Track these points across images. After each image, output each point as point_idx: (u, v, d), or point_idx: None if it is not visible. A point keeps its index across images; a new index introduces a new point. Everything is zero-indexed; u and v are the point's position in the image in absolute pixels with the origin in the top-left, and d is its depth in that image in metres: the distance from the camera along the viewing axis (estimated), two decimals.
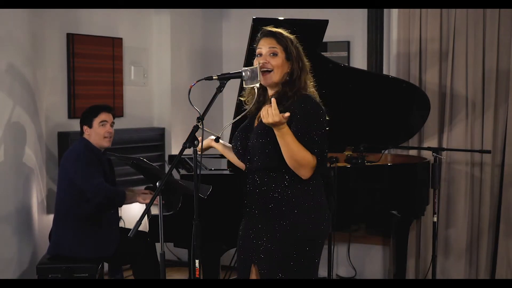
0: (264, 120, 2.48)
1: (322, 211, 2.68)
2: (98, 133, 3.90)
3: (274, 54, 2.64)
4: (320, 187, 2.70)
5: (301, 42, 2.75)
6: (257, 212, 2.67)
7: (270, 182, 2.63)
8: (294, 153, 2.51)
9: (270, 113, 2.45)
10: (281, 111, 2.49)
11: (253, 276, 2.72)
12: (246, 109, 2.75)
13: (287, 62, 2.64)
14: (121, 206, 3.96)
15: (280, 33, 2.67)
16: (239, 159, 2.81)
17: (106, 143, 3.93)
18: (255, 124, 2.71)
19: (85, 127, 3.92)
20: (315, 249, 2.65)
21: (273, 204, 2.63)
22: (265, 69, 2.62)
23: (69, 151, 3.94)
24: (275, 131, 2.51)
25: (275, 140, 2.54)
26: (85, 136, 3.92)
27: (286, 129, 2.50)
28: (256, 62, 2.64)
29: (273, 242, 2.62)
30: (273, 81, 2.64)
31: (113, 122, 3.98)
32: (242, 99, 2.78)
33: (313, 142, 2.55)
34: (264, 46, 2.66)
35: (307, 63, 2.70)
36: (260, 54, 2.66)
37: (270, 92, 2.71)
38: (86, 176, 3.76)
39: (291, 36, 2.69)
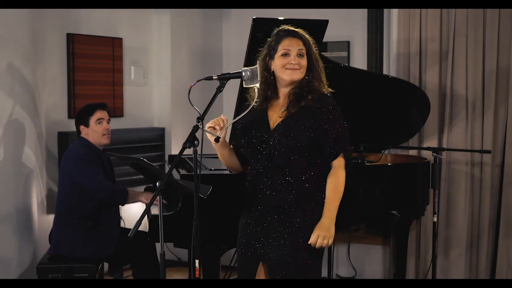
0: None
1: None
2: (96, 131, 3.89)
3: (301, 56, 2.71)
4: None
5: None
6: (267, 210, 2.68)
7: (286, 180, 2.66)
8: (341, 197, 2.73)
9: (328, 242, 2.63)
10: (301, 107, 2.67)
11: (261, 275, 2.72)
12: (246, 109, 2.75)
13: (308, 63, 2.73)
14: (123, 204, 3.95)
15: (304, 35, 2.75)
16: (248, 158, 2.79)
17: (105, 140, 3.93)
18: (274, 123, 2.71)
19: (82, 127, 3.91)
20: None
21: (286, 202, 2.65)
22: (294, 68, 2.69)
23: (69, 151, 3.94)
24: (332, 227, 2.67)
25: (298, 137, 2.63)
26: (83, 135, 3.92)
27: (332, 220, 2.69)
28: (281, 62, 2.68)
29: (284, 240, 2.64)
30: (298, 79, 2.71)
31: (109, 119, 3.98)
32: (258, 86, 2.74)
33: (342, 140, 2.69)
34: (292, 47, 2.71)
35: (322, 64, 2.79)
36: (287, 54, 2.70)
37: (283, 90, 2.73)
38: (88, 175, 3.76)
39: (310, 38, 2.76)
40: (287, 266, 2.64)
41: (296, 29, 2.76)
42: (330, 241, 2.62)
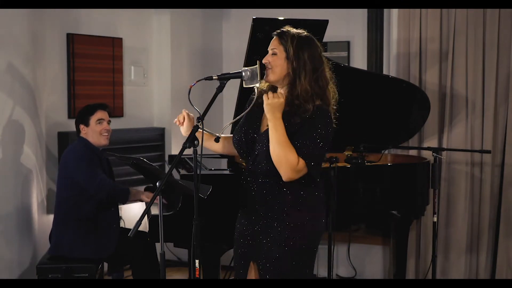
0: (267, 102, 2.54)
1: (321, 212, 2.72)
2: (96, 131, 3.89)
3: (274, 54, 2.65)
4: (321, 189, 2.73)
5: None
6: (257, 212, 2.68)
7: (272, 185, 2.64)
8: (277, 147, 2.53)
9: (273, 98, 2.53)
10: (297, 122, 2.56)
11: (252, 274, 2.73)
12: (247, 108, 2.75)
13: (287, 61, 2.62)
14: (125, 203, 3.96)
15: (285, 32, 2.65)
16: (241, 159, 2.82)
17: (104, 141, 3.92)
18: (264, 127, 2.70)
19: (81, 126, 3.91)
20: (312, 248, 2.69)
21: (275, 206, 2.64)
22: (267, 68, 2.63)
23: (69, 150, 3.93)
24: (270, 118, 2.54)
25: None
26: (83, 135, 3.92)
27: (280, 122, 2.54)
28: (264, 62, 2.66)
29: (274, 242, 2.64)
30: (271, 79, 2.64)
31: (109, 120, 3.97)
32: (258, 86, 2.68)
33: (305, 146, 2.55)
34: (270, 47, 2.67)
35: (314, 63, 2.63)
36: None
37: (280, 92, 2.68)
38: (89, 174, 3.76)
39: (298, 34, 2.64)
40: (276, 267, 2.63)
41: (284, 29, 2.67)
42: (273, 102, 2.55)
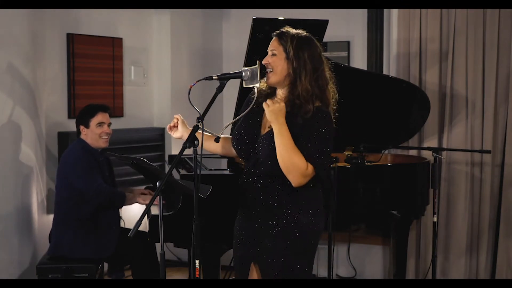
0: (269, 109, 2.54)
1: (319, 212, 2.72)
2: (95, 133, 3.88)
3: (274, 55, 2.64)
4: (319, 190, 2.74)
5: None
6: (257, 212, 2.68)
7: (273, 186, 2.64)
8: (285, 154, 2.53)
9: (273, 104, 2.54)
10: (299, 124, 2.56)
11: (254, 274, 2.73)
12: (246, 108, 2.75)
13: (287, 62, 2.62)
14: (121, 207, 3.96)
15: (284, 33, 2.65)
16: (241, 159, 2.83)
17: (103, 144, 3.91)
18: (264, 129, 2.70)
19: (81, 127, 3.91)
20: (312, 248, 2.71)
21: (274, 206, 2.65)
22: (267, 69, 2.63)
23: (67, 153, 3.92)
24: (274, 124, 2.54)
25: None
26: (82, 136, 3.91)
27: (285, 127, 2.54)
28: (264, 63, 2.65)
29: (274, 242, 2.64)
30: (272, 81, 2.64)
31: (110, 123, 3.97)
32: (258, 86, 2.68)
33: (310, 149, 2.56)
34: (269, 48, 2.67)
35: (314, 63, 2.62)
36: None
37: (280, 92, 2.69)
38: (86, 179, 3.75)
39: (298, 35, 2.64)
40: (276, 267, 2.64)
41: (284, 29, 2.66)
42: (274, 108, 2.55)
